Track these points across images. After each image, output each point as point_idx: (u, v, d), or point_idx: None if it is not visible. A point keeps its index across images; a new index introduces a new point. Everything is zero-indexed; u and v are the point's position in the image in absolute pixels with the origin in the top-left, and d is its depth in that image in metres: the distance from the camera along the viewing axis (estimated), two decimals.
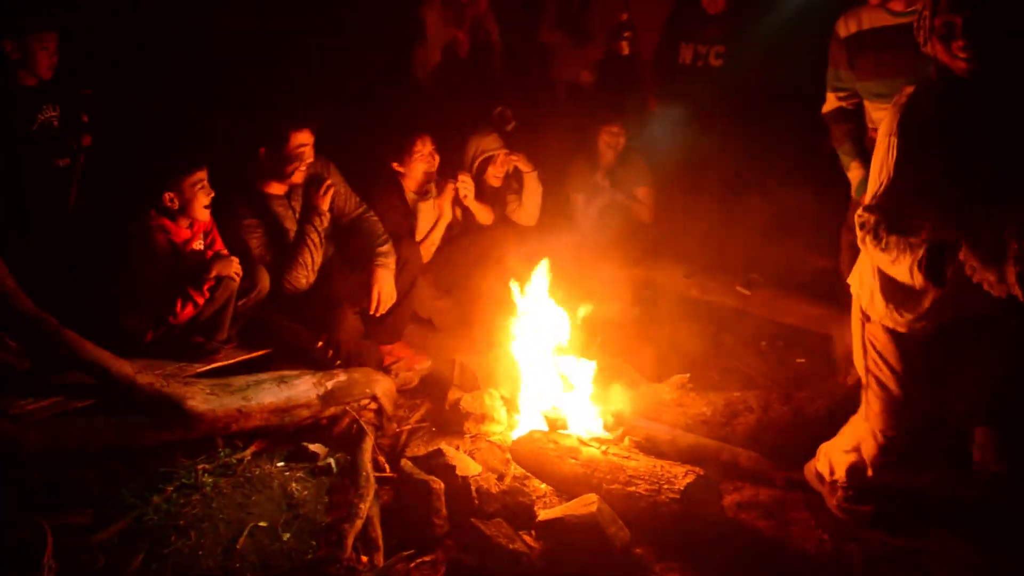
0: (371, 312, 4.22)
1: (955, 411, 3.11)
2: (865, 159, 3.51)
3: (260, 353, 3.99)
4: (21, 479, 3.13)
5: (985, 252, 2.26)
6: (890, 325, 2.68)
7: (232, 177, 4.05)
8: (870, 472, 2.97)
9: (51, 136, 4.06)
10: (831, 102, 3.71)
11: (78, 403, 3.29)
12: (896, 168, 2.47)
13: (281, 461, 3.52)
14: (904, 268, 2.40)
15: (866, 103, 3.65)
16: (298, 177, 4.15)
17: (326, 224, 4.18)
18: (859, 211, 2.58)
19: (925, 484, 3.27)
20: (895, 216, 2.48)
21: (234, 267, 3.82)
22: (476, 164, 5.09)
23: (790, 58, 5.12)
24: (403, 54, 5.62)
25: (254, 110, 4.61)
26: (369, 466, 3.38)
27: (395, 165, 4.72)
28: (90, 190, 4.16)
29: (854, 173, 3.62)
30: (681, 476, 3.03)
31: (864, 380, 2.88)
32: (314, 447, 3.57)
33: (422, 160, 4.69)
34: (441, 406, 3.99)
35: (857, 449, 2.98)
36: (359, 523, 3.02)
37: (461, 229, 5.06)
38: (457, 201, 5.02)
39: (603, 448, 3.34)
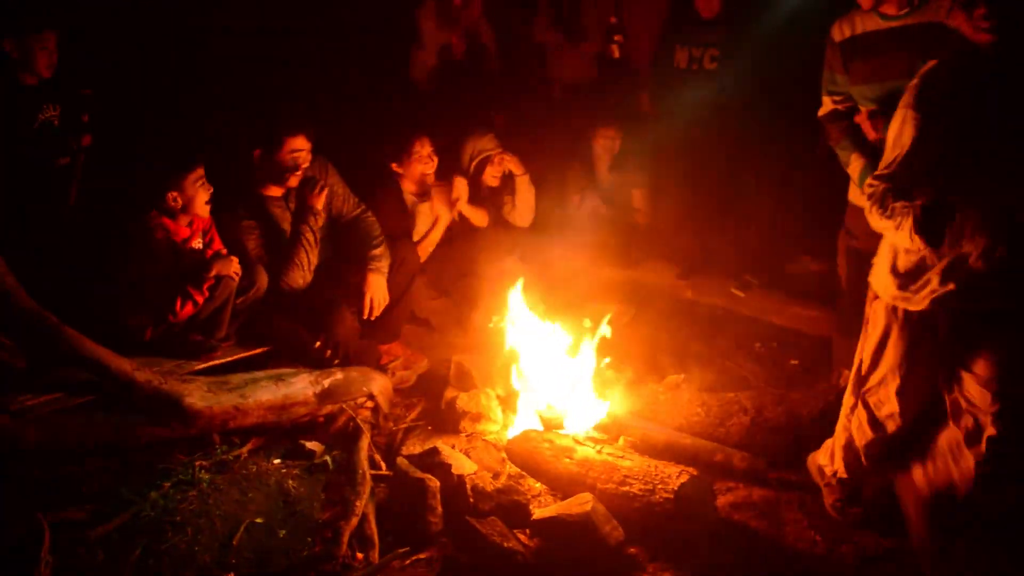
0: (363, 317, 4.24)
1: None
2: (865, 149, 3.51)
3: (258, 351, 4.02)
4: (20, 475, 3.14)
5: (981, 219, 2.30)
6: (898, 303, 2.65)
7: (230, 178, 4.06)
8: (864, 462, 2.98)
9: (51, 135, 4.08)
10: (827, 105, 3.72)
11: (77, 400, 3.31)
12: (910, 141, 2.47)
13: (278, 458, 3.53)
14: (905, 233, 2.44)
15: (860, 107, 3.67)
16: (294, 181, 4.16)
17: (321, 224, 4.20)
18: (868, 179, 2.60)
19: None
20: (906, 188, 2.48)
21: (233, 266, 3.84)
22: (473, 165, 5.11)
23: (785, 62, 5.15)
24: (400, 57, 5.64)
25: (252, 111, 4.63)
26: (365, 464, 3.39)
27: (394, 166, 4.74)
28: (90, 189, 4.17)
29: (855, 165, 3.59)
30: (675, 476, 3.05)
31: (867, 371, 2.88)
32: (311, 445, 3.58)
33: (420, 161, 4.70)
34: (437, 405, 4.01)
35: (852, 439, 3.00)
36: (355, 520, 3.04)
37: (458, 230, 5.07)
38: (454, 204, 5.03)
39: (598, 448, 3.36)
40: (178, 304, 3.73)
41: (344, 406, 3.75)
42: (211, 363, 3.82)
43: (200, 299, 3.76)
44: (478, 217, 5.12)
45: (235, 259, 3.87)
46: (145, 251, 3.72)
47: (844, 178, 3.80)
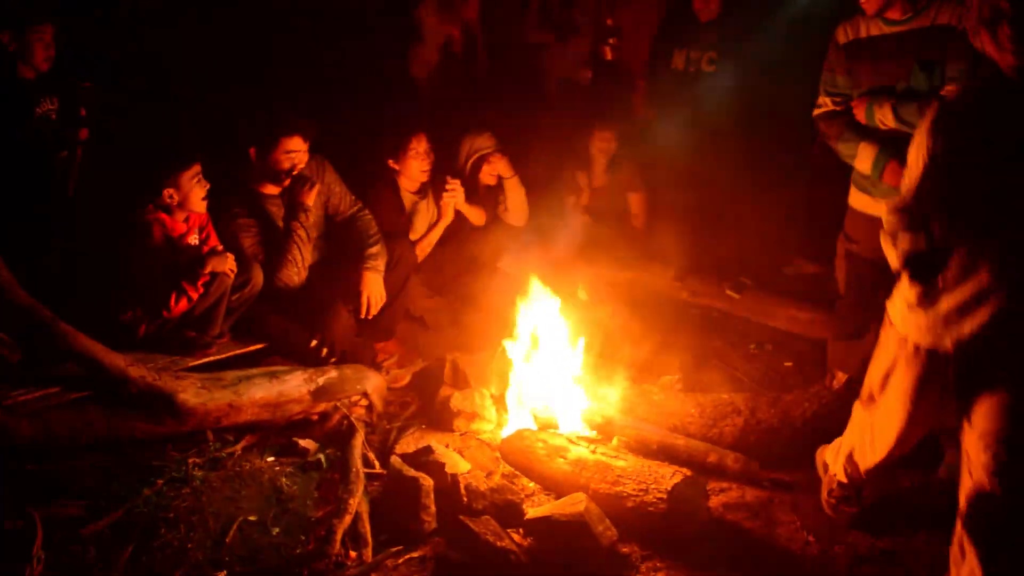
0: (361, 316, 4.24)
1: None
2: (871, 136, 3.45)
3: (253, 348, 4.02)
4: (12, 470, 3.14)
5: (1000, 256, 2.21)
6: (911, 335, 2.52)
7: (227, 174, 4.06)
8: (864, 476, 2.97)
9: (49, 129, 4.07)
10: (825, 105, 3.69)
11: (71, 395, 3.30)
12: (923, 172, 2.35)
13: (271, 456, 3.53)
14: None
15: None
16: (289, 181, 4.17)
17: (312, 220, 4.19)
18: (886, 211, 2.49)
19: (908, 487, 3.33)
20: (923, 219, 2.37)
21: (229, 263, 3.84)
22: (470, 163, 5.11)
23: (783, 64, 5.16)
24: (399, 54, 5.63)
25: (250, 107, 4.62)
26: (359, 462, 3.38)
27: (391, 163, 4.74)
28: (87, 183, 4.16)
29: (864, 154, 3.48)
30: (668, 476, 3.06)
31: (876, 395, 2.78)
32: (304, 442, 3.58)
33: (417, 158, 4.70)
34: (431, 404, 4.01)
35: (855, 452, 2.97)
36: (348, 518, 3.03)
37: (454, 229, 5.08)
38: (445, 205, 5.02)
39: (591, 448, 3.37)
40: (173, 300, 3.73)
41: (338, 404, 3.75)
42: (205, 359, 3.82)
43: (195, 295, 3.76)
44: (475, 215, 5.13)
45: (231, 256, 3.87)
46: (142, 246, 3.72)
47: (841, 181, 3.80)
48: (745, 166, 5.37)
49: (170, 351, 3.77)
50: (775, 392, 4.01)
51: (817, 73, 3.74)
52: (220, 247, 3.93)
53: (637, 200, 5.65)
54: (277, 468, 3.45)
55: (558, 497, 3.22)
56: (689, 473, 3.12)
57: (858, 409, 2.94)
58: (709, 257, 5.38)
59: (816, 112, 3.70)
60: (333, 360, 3.97)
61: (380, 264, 4.31)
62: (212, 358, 3.84)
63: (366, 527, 3.04)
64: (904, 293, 2.54)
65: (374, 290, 4.25)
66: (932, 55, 3.22)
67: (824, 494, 3.19)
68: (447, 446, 3.60)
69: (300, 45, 5.26)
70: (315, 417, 3.74)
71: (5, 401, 3.17)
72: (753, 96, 5.20)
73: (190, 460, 3.38)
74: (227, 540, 2.96)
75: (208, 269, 3.77)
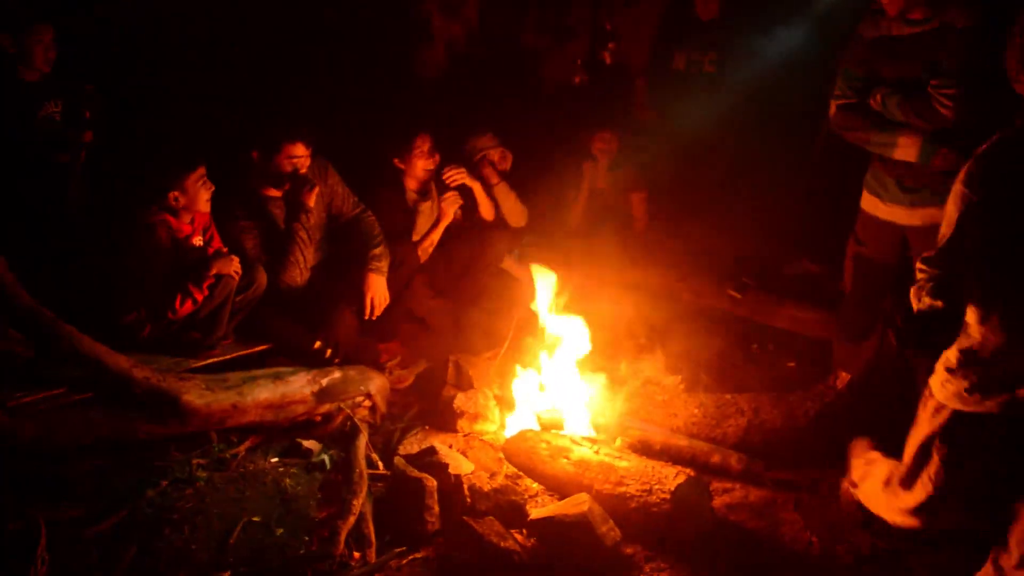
0: (365, 317, 4.24)
1: None
2: (909, 126, 3.33)
3: (257, 349, 4.02)
4: (16, 471, 3.13)
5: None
6: (951, 403, 2.41)
7: (229, 177, 4.06)
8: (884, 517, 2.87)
9: (52, 131, 4.07)
10: (846, 97, 3.60)
11: (74, 396, 3.31)
12: (956, 220, 2.25)
13: (275, 457, 3.54)
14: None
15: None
16: (290, 184, 4.17)
17: (314, 221, 4.20)
18: (918, 264, 2.41)
19: None
20: (954, 275, 2.27)
21: (234, 265, 3.85)
22: (474, 162, 5.11)
23: (784, 64, 5.16)
24: (404, 53, 5.62)
25: (254, 109, 4.62)
26: (362, 463, 3.39)
27: (396, 161, 4.73)
28: (91, 186, 4.17)
29: (905, 143, 3.34)
30: (672, 477, 3.06)
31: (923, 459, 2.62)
32: (308, 443, 3.59)
33: (422, 157, 4.69)
34: (435, 404, 4.01)
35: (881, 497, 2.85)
36: (352, 519, 3.04)
37: (456, 229, 5.07)
38: (459, 199, 4.99)
39: (595, 448, 3.37)
40: (178, 301, 3.73)
41: (342, 405, 3.75)
42: (209, 361, 3.82)
43: (200, 297, 3.77)
44: (486, 204, 5.07)
45: (236, 258, 3.88)
46: (147, 248, 3.72)
47: (842, 180, 3.78)
48: (746, 165, 5.37)
49: (174, 352, 3.78)
50: (778, 392, 4.01)
51: (818, 72, 3.73)
52: (225, 249, 3.93)
53: (639, 200, 5.64)
54: (281, 469, 3.45)
55: (561, 498, 3.22)
56: (692, 473, 3.12)
57: (889, 464, 2.85)
58: (711, 257, 5.37)
59: (835, 104, 3.62)
60: (337, 361, 3.97)
61: (383, 265, 4.32)
62: (216, 359, 3.85)
63: (370, 528, 3.05)
64: (944, 360, 2.42)
65: (378, 291, 4.26)
66: (943, 55, 3.21)
67: (842, 488, 3.16)
68: (450, 447, 3.61)
69: (304, 48, 5.25)
70: (319, 418, 3.74)
71: (9, 402, 3.17)
72: (754, 95, 5.20)
73: (194, 461, 3.39)
74: (231, 541, 2.97)
75: (213, 271, 3.78)
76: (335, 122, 4.70)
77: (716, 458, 3.52)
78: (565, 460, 3.35)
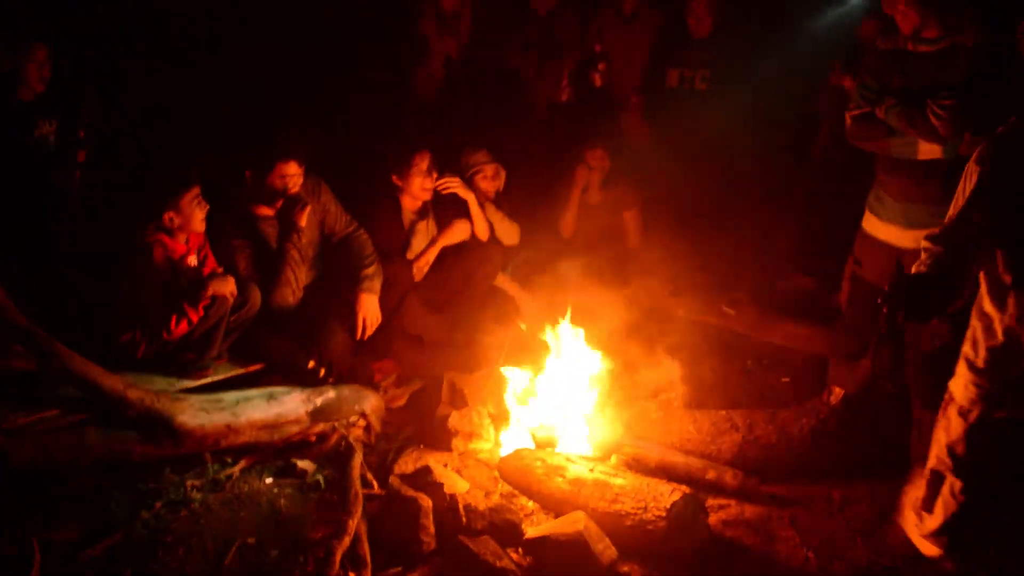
0: (356, 337, 4.24)
1: None
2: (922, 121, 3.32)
3: (251, 369, 4.01)
4: (11, 493, 3.12)
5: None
6: (972, 407, 2.43)
7: (222, 197, 4.07)
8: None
9: (47, 150, 4.07)
10: (861, 108, 3.62)
11: (69, 418, 3.30)
12: (969, 195, 2.32)
13: (270, 477, 3.52)
14: None
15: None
16: (283, 202, 4.17)
17: (305, 241, 4.21)
18: (923, 241, 2.44)
19: None
20: (960, 248, 2.32)
21: (230, 286, 3.86)
22: (467, 177, 5.12)
23: (777, 81, 5.20)
24: (399, 71, 5.64)
25: (248, 128, 4.64)
26: (357, 483, 3.38)
27: (394, 178, 4.74)
28: (86, 205, 4.17)
29: (927, 144, 3.36)
30: (667, 494, 3.06)
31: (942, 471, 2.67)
32: (303, 463, 3.57)
33: (420, 174, 4.70)
34: (429, 423, 4.00)
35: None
36: (347, 539, 3.03)
37: (450, 247, 5.07)
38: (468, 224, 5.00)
39: (590, 466, 3.37)
40: (173, 322, 3.73)
41: (336, 425, 3.74)
42: (203, 381, 3.81)
43: (195, 317, 3.77)
44: (480, 224, 5.08)
45: (231, 278, 3.89)
46: (143, 267, 3.73)
47: (836, 196, 3.80)
48: (740, 182, 5.40)
49: (168, 372, 3.78)
50: (772, 408, 4.02)
51: (811, 89, 3.76)
52: (220, 269, 3.94)
53: (632, 217, 5.66)
54: (275, 490, 3.44)
55: (557, 516, 3.22)
56: (688, 490, 3.12)
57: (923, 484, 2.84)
58: (705, 273, 5.39)
59: (849, 116, 3.63)
60: (331, 380, 3.97)
61: (376, 285, 4.32)
62: (210, 379, 3.84)
63: (365, 548, 3.03)
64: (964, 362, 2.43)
65: (370, 311, 4.27)
66: (951, 72, 3.24)
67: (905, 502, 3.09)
68: (445, 466, 3.60)
69: (299, 64, 5.27)
70: (313, 438, 3.73)
71: (5, 424, 3.16)
72: (747, 113, 5.23)
73: (188, 482, 3.37)
74: (225, 563, 2.95)
75: (210, 292, 3.78)
76: (332, 137, 4.71)
77: (711, 474, 3.53)
78: (560, 478, 3.35)
